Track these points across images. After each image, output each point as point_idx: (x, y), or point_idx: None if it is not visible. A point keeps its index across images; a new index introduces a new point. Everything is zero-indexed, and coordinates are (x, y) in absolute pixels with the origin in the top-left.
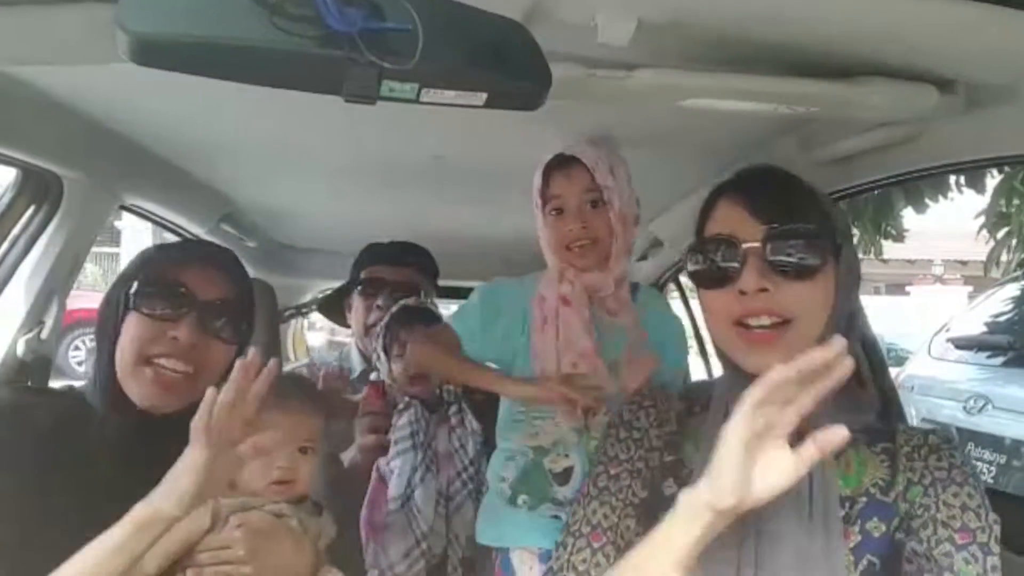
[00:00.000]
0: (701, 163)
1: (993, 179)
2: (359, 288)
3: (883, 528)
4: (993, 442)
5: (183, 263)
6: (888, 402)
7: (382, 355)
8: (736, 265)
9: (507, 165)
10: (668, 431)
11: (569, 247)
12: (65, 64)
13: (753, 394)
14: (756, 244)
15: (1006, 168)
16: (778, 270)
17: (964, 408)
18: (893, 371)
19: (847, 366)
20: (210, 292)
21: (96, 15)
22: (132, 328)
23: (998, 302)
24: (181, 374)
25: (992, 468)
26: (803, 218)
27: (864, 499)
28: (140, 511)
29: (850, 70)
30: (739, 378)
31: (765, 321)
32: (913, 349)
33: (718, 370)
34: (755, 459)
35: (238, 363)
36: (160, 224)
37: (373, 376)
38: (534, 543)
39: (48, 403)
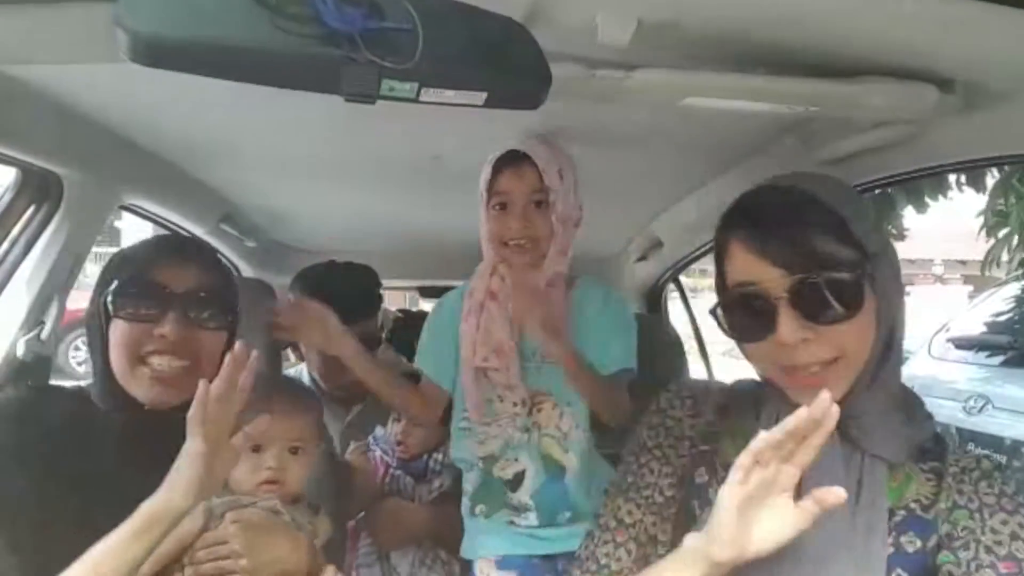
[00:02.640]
0: (701, 163)
1: (993, 179)
2: None
3: (918, 544)
4: (993, 442)
5: (156, 260)
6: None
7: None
8: (769, 317)
9: None
10: (704, 421)
11: (507, 243)
12: (65, 63)
13: (741, 462)
14: (784, 295)
15: (1005, 167)
16: (814, 318)
17: (964, 408)
18: None
19: (834, 416)
20: (187, 284)
21: (96, 15)
22: (118, 333)
23: (998, 302)
24: (178, 368)
25: None
26: (829, 257)
27: (903, 512)
28: (149, 506)
29: (850, 70)
30: (786, 399)
31: (813, 363)
32: (913, 349)
33: (718, 371)
34: (754, 516)
35: (228, 356)
36: (160, 224)
37: (378, 452)
38: (492, 551)
39: (56, 402)
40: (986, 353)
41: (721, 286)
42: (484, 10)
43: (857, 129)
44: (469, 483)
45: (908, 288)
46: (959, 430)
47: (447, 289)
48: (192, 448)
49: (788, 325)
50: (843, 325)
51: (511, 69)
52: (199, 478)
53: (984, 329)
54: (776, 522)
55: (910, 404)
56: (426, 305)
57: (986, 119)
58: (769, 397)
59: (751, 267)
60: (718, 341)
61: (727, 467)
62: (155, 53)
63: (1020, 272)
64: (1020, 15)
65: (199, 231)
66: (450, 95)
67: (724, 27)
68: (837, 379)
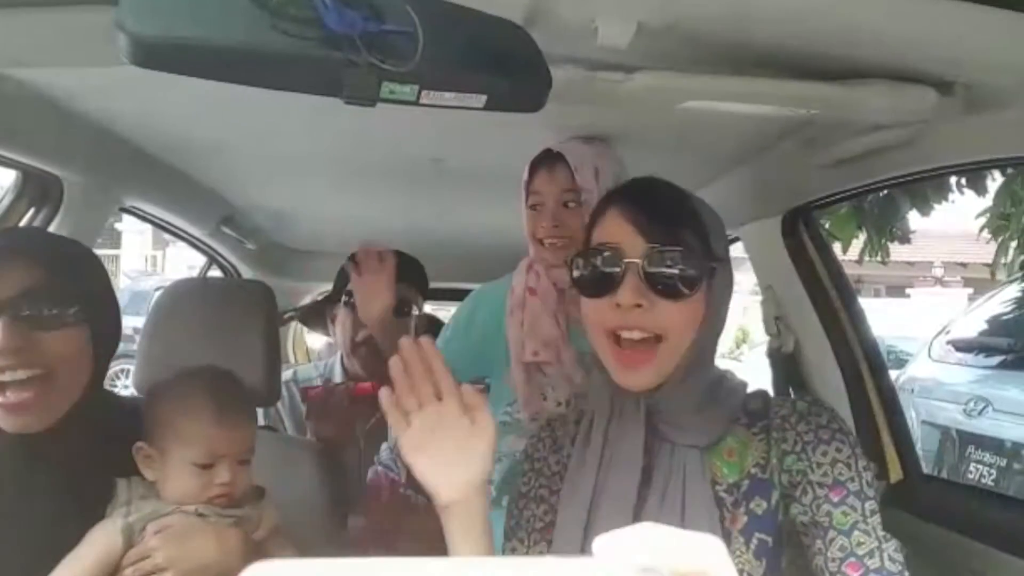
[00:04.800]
0: (701, 165)
1: (994, 181)
2: (345, 300)
3: (764, 505)
4: (994, 445)
5: None
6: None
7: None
8: (616, 278)
9: (506, 168)
10: (566, 454)
11: (542, 242)
12: (65, 66)
13: (390, 413)
14: (636, 260)
15: (1009, 170)
16: (654, 287)
17: (964, 411)
18: (893, 373)
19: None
20: (9, 285)
21: (96, 17)
22: None
23: (998, 304)
24: (26, 383)
25: (992, 471)
26: (683, 240)
27: (747, 482)
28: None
29: (849, 72)
30: (616, 393)
31: (636, 335)
32: (913, 351)
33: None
34: (436, 452)
35: None
36: (160, 226)
37: (380, 469)
38: None
39: None
40: (986, 355)
41: (585, 244)
42: (484, 13)
43: (856, 132)
44: (497, 474)
45: (908, 290)
46: (959, 432)
47: (449, 291)
48: None
49: (629, 287)
50: (674, 303)
51: (511, 72)
52: None
53: (984, 331)
54: (461, 447)
55: (717, 387)
56: (427, 308)
57: (985, 121)
58: (599, 392)
59: (616, 231)
60: (718, 344)
61: None
62: (156, 56)
63: (1020, 275)
64: (1019, 17)
65: (199, 233)
66: (450, 97)
67: (724, 30)
68: (657, 361)
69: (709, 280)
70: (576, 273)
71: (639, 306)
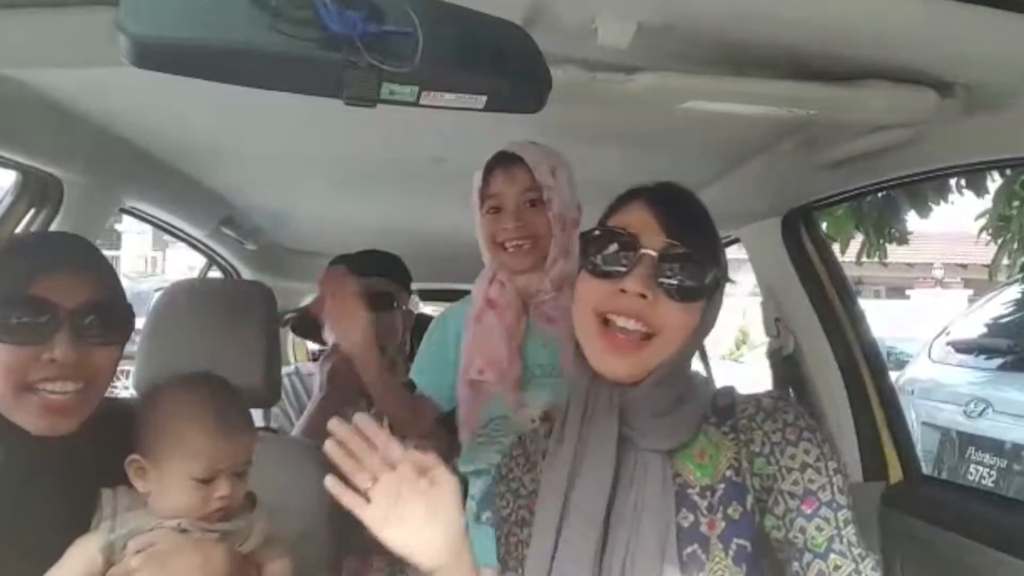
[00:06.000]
0: (701, 165)
1: (994, 182)
2: None
3: (740, 509)
4: (994, 446)
5: (36, 269)
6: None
7: None
8: (626, 264)
9: None
10: (540, 471)
11: (504, 246)
12: (66, 67)
13: (344, 501)
14: (652, 252)
15: (1007, 171)
16: (662, 283)
17: (964, 412)
18: (893, 375)
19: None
20: (76, 296)
21: (97, 18)
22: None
23: (998, 305)
24: (71, 393)
25: (993, 472)
26: (700, 245)
27: (722, 485)
28: None
29: (850, 73)
30: (591, 388)
31: (631, 325)
32: (913, 352)
33: (718, 375)
34: (405, 521)
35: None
36: (160, 227)
37: None
38: (493, 560)
39: None
40: (986, 357)
41: (602, 224)
42: (484, 13)
43: (857, 133)
44: (476, 488)
45: (908, 292)
46: (959, 433)
47: (448, 292)
48: None
49: (639, 275)
50: (676, 305)
51: (511, 72)
52: None
53: (984, 333)
54: (427, 507)
55: (687, 389)
56: (426, 308)
57: (985, 122)
58: (576, 395)
59: (637, 220)
60: (718, 345)
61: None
62: (156, 57)
63: (1021, 276)
64: (1018, 19)
65: (199, 234)
66: (450, 98)
67: (724, 30)
68: (643, 355)
69: (712, 291)
70: (587, 253)
71: (643, 296)
